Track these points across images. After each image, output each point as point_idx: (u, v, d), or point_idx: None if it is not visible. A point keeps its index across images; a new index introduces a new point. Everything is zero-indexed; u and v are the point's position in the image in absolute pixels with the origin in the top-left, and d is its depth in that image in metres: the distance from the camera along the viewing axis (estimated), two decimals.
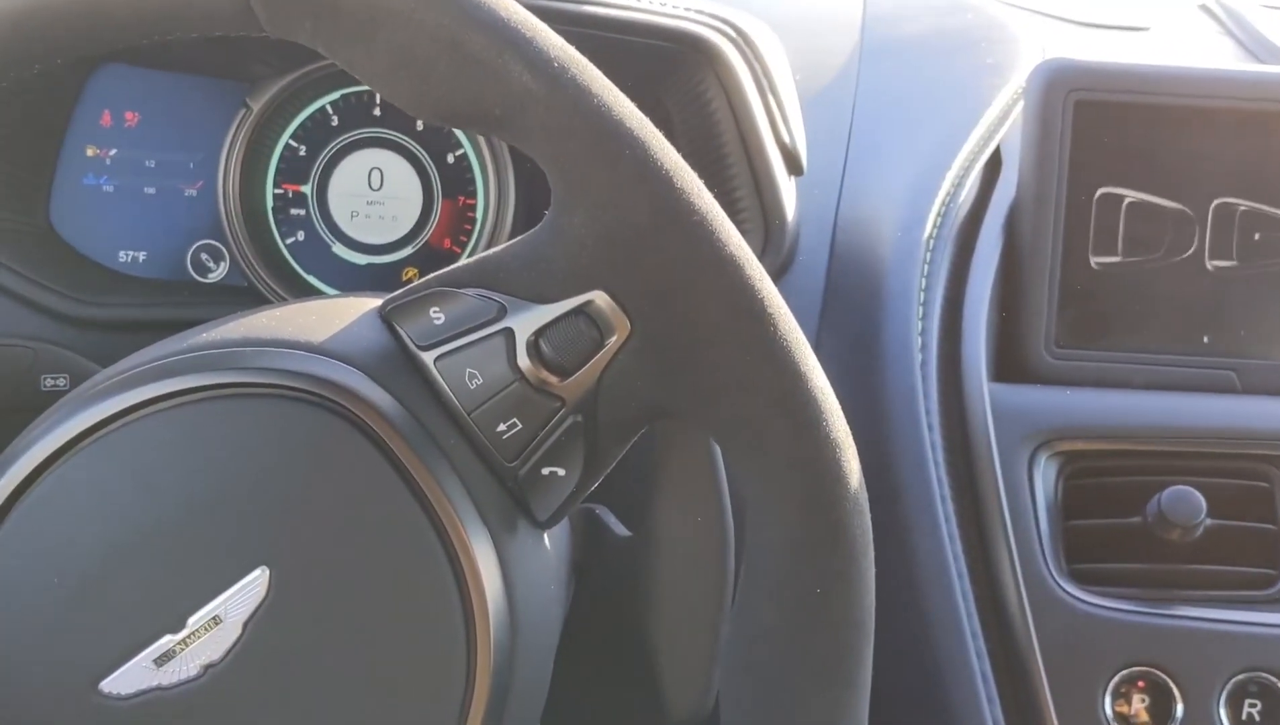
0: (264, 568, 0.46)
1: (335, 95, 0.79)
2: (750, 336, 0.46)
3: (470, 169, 0.80)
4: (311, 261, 0.80)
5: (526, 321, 0.47)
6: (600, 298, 0.47)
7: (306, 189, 0.80)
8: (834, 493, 0.47)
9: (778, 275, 0.79)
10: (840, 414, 0.48)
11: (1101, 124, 0.77)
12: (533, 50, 0.45)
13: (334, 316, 0.52)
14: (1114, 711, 0.67)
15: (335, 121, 0.80)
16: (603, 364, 0.47)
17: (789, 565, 0.48)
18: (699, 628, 0.59)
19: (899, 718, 0.70)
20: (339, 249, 0.80)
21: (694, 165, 0.78)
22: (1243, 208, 0.77)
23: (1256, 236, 0.77)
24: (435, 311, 0.48)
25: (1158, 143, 0.77)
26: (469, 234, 0.80)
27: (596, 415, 0.48)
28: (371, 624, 0.46)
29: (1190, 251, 0.77)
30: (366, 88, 0.79)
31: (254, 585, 0.46)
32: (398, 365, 0.48)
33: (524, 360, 0.47)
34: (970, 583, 0.68)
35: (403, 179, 0.80)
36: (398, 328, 0.49)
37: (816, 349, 0.78)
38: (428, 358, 0.48)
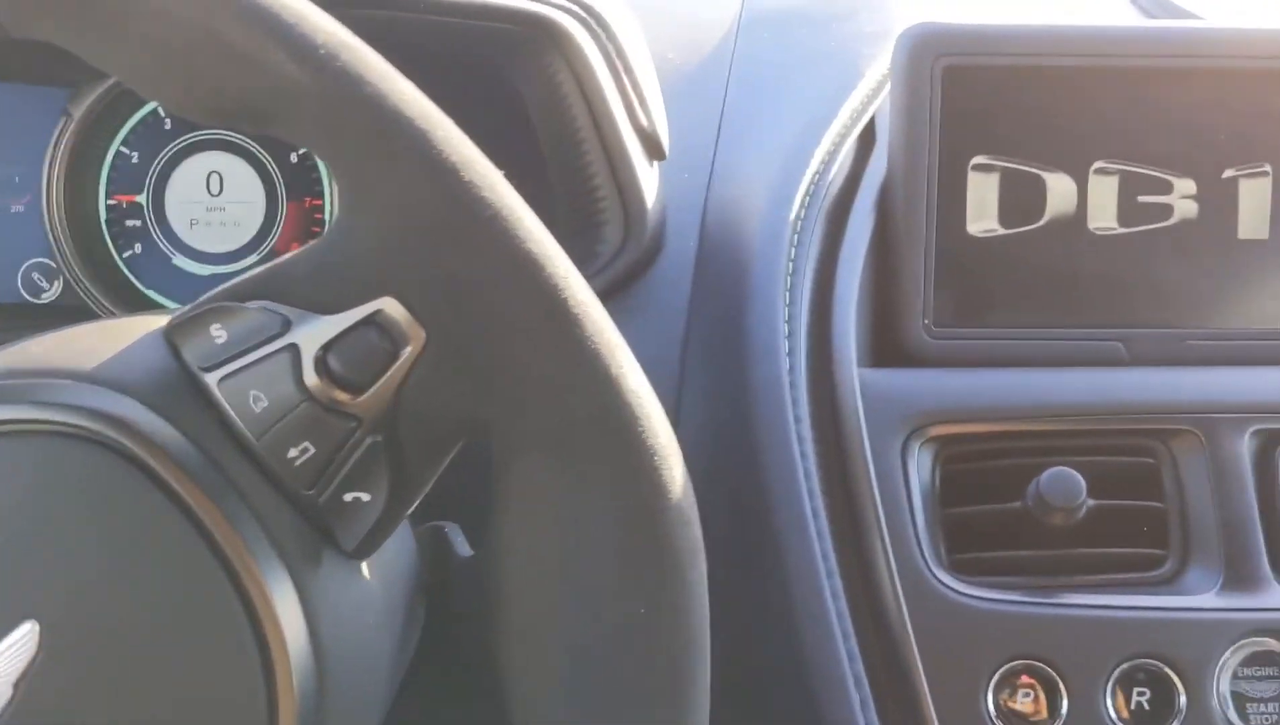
0: (33, 622, 0.41)
1: None
2: (557, 339, 0.43)
3: (315, 168, 0.76)
4: (151, 275, 0.76)
5: (312, 335, 0.43)
6: (390, 305, 0.43)
7: (141, 198, 0.75)
8: (656, 505, 0.44)
9: (644, 265, 0.76)
10: (663, 418, 0.45)
11: (973, 89, 0.73)
12: (296, 36, 0.41)
13: (114, 339, 0.48)
14: (997, 708, 0.64)
15: (168, 125, 0.75)
16: (399, 378, 0.44)
17: (612, 584, 0.45)
18: (537, 648, 0.56)
19: None
20: (180, 260, 0.76)
21: (549, 153, 0.75)
22: (1123, 170, 0.74)
23: (1138, 199, 0.74)
24: (217, 329, 0.44)
25: (1032, 106, 0.74)
26: (316, 237, 0.75)
27: (398, 434, 0.44)
28: (158, 678, 0.42)
29: (1071, 219, 0.74)
30: None
31: (22, 642, 0.42)
32: (179, 391, 0.44)
33: (311, 378, 0.43)
34: (842, 580, 0.65)
35: (244, 182, 0.76)
36: (179, 348, 0.45)
37: (686, 341, 0.74)
38: (210, 380, 0.44)
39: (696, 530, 0.46)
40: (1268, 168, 0.74)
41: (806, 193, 0.74)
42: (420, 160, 0.42)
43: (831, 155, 0.77)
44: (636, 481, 0.44)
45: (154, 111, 0.75)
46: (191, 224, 0.76)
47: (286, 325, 0.44)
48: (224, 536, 0.42)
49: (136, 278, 0.76)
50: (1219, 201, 0.74)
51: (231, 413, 0.44)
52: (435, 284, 0.43)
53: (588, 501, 0.45)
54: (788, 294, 0.71)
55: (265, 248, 0.76)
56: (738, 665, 0.64)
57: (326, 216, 0.75)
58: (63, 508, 0.42)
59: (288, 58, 0.41)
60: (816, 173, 0.75)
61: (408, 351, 0.43)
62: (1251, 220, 0.74)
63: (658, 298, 0.74)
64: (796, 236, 0.73)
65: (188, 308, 0.45)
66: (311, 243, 0.44)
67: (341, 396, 0.43)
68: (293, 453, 0.44)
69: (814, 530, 0.65)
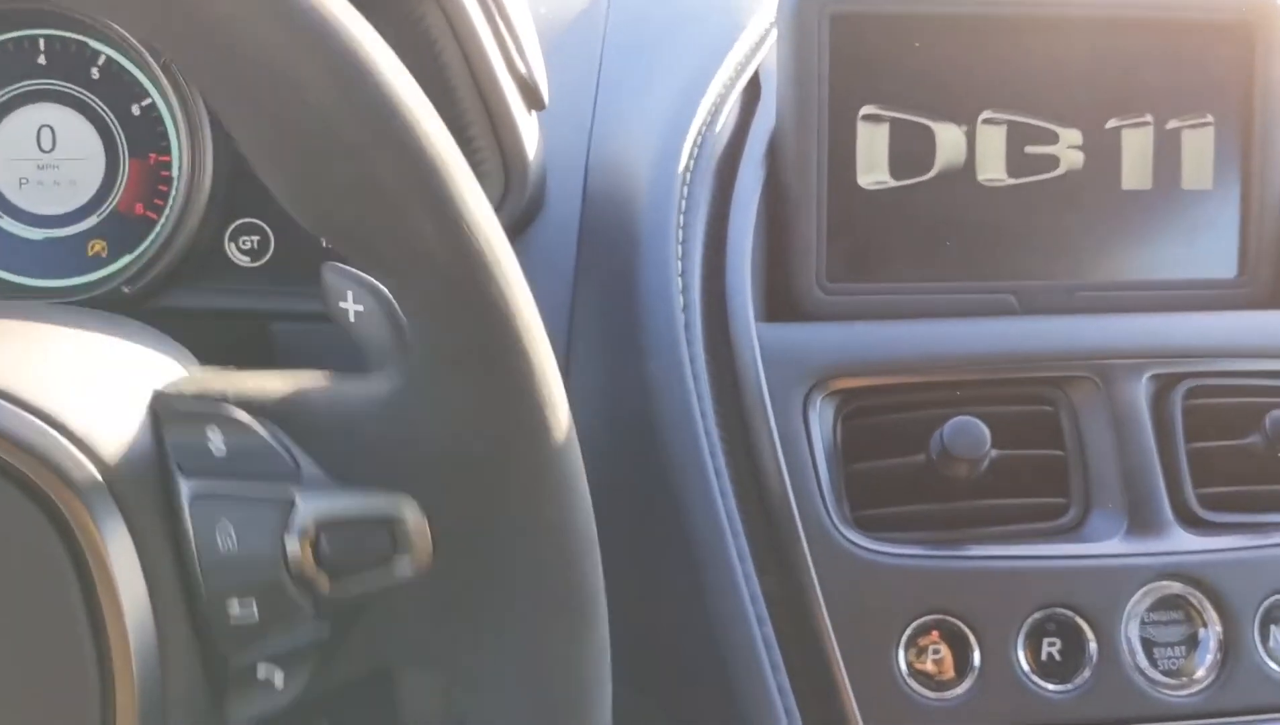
0: None
1: None
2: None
3: (161, 121, 0.69)
4: None
5: (315, 502, 0.39)
6: (409, 509, 0.39)
7: None
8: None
9: (525, 221, 0.71)
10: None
11: (860, 38, 0.71)
12: (447, 208, 0.37)
13: (89, 360, 0.42)
14: (909, 666, 0.62)
15: None
16: (380, 586, 0.39)
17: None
18: None
19: (682, 694, 0.63)
20: (8, 223, 0.69)
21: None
22: (1010, 121, 0.73)
23: (1026, 150, 0.73)
24: (214, 435, 0.39)
25: (920, 55, 0.72)
26: (165, 196, 0.69)
27: (348, 637, 0.40)
28: None
29: (960, 170, 0.73)
30: (26, 32, 0.68)
31: None
32: (142, 472, 0.39)
33: (294, 545, 0.38)
34: (748, 541, 0.62)
35: (79, 137, 0.69)
36: (163, 431, 0.39)
37: (573, 302, 0.70)
38: (184, 488, 0.39)
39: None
40: (1149, 118, 0.74)
41: (694, 145, 0.71)
42: (508, 390, 0.38)
43: (717, 108, 0.74)
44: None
45: None
46: (21, 183, 0.69)
47: (293, 474, 0.39)
48: (115, 651, 0.37)
49: None
50: (1103, 152, 0.73)
51: (191, 533, 0.39)
52: (477, 515, 0.39)
53: None
54: (679, 248, 0.68)
55: (106, 209, 0.69)
56: (643, 629, 0.61)
57: (174, 174, 0.69)
58: None
59: (433, 228, 0.37)
60: (703, 125, 0.72)
61: (405, 563, 0.39)
62: (1135, 171, 0.74)
63: (542, 257, 0.70)
64: (686, 190, 0.70)
65: (188, 392, 0.40)
66: (351, 377, 0.40)
67: (315, 578, 0.39)
68: (234, 608, 0.39)
69: (717, 490, 0.62)
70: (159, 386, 0.41)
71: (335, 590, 0.39)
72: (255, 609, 0.39)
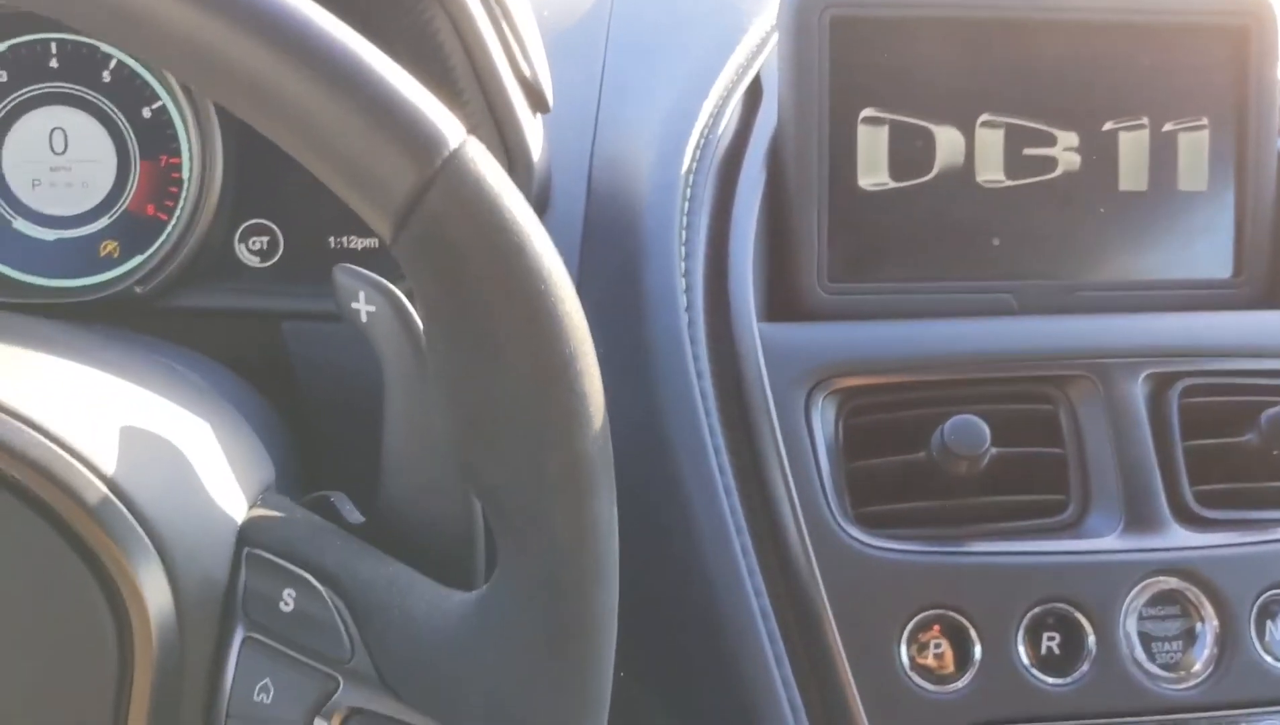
0: None
1: (1, 47, 0.68)
2: None
3: (171, 123, 0.70)
4: None
5: (357, 692, 0.40)
6: None
7: None
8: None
9: None
10: None
11: (860, 41, 0.72)
12: (587, 502, 0.39)
13: (194, 467, 0.43)
14: (911, 660, 0.63)
15: (4, 77, 0.69)
16: None
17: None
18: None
19: (686, 689, 0.64)
20: (21, 224, 0.69)
21: None
22: (1009, 123, 0.74)
23: (1024, 152, 0.74)
24: (289, 595, 0.40)
25: (919, 58, 0.73)
26: (175, 197, 0.70)
27: None
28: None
29: (960, 172, 0.74)
30: (39, 36, 0.69)
31: None
32: (211, 605, 0.40)
33: (322, 724, 0.40)
34: (751, 537, 0.63)
35: (91, 139, 0.69)
36: (243, 576, 0.41)
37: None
38: (240, 631, 0.40)
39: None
40: (1145, 120, 0.75)
41: (696, 147, 0.72)
42: (568, 676, 0.39)
43: (719, 110, 0.75)
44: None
45: None
46: (34, 184, 0.69)
47: (347, 656, 0.40)
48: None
49: None
50: (1100, 154, 0.74)
51: (230, 674, 0.40)
52: None
53: None
54: (683, 249, 0.69)
55: (117, 210, 0.70)
56: (648, 625, 0.62)
57: (185, 175, 0.70)
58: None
59: (567, 522, 0.38)
60: (705, 127, 0.73)
61: None
62: (1131, 172, 0.75)
63: None
64: (689, 191, 0.71)
65: (278, 545, 0.41)
66: (425, 589, 0.41)
67: None
68: None
69: (721, 487, 0.63)
70: (248, 517, 0.42)
71: None
72: None
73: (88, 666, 0.38)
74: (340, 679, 0.40)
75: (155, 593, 0.38)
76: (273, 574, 0.41)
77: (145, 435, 0.42)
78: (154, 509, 0.39)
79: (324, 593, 0.40)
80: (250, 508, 0.44)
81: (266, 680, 0.40)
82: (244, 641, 0.40)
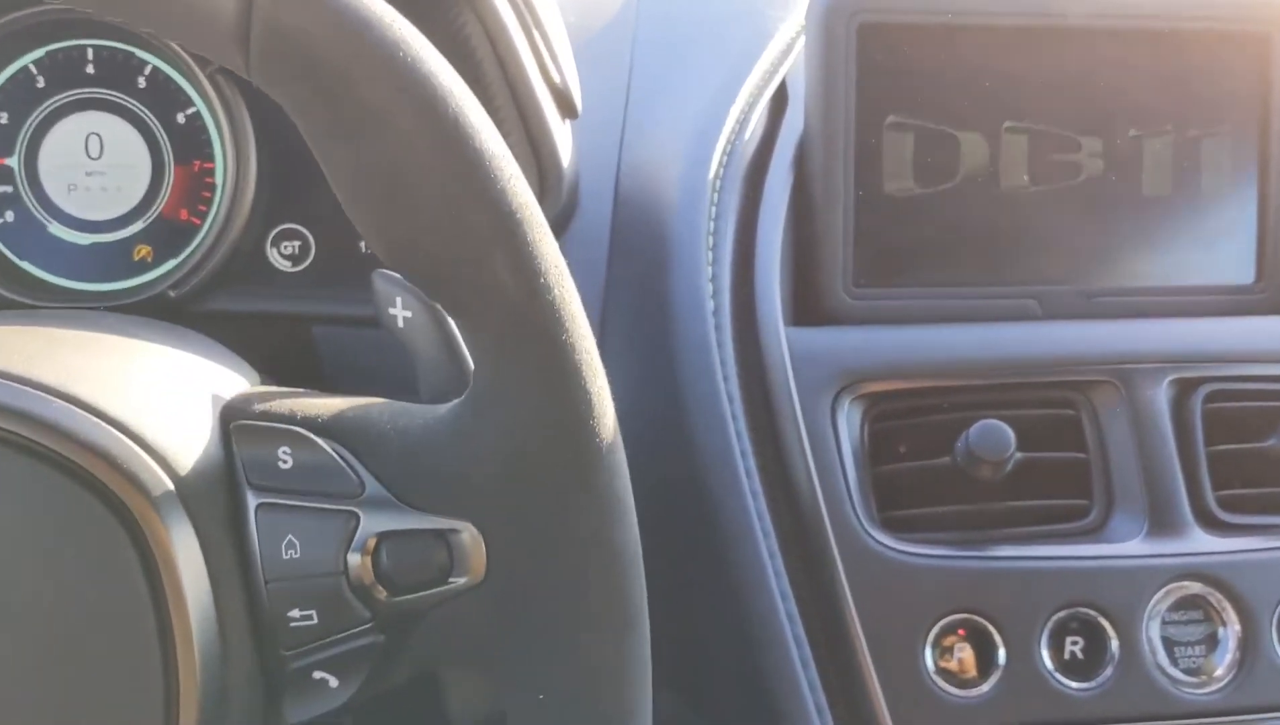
0: None
1: (39, 52, 0.69)
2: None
3: (205, 129, 0.71)
4: (25, 245, 0.70)
5: (378, 517, 0.41)
6: (469, 532, 0.41)
7: (12, 161, 0.69)
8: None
9: (559, 226, 0.73)
10: None
11: (887, 48, 0.73)
12: (524, 252, 0.39)
13: (161, 372, 0.44)
14: (935, 663, 0.63)
15: (41, 82, 0.70)
16: (437, 600, 0.41)
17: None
18: None
19: (713, 692, 0.65)
20: (56, 228, 0.70)
21: None
22: (1033, 129, 0.74)
23: (1048, 158, 0.75)
24: (284, 452, 0.41)
25: (946, 64, 0.74)
26: (208, 202, 0.71)
27: (402, 644, 0.42)
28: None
29: (984, 177, 0.74)
30: (76, 43, 0.70)
31: None
32: (212, 484, 0.41)
33: (355, 557, 0.41)
34: (778, 541, 0.63)
35: (126, 144, 0.70)
36: (235, 446, 0.41)
37: (604, 305, 0.72)
38: (251, 500, 0.41)
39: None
40: (1169, 126, 0.75)
41: (723, 153, 0.73)
42: (566, 422, 0.40)
43: (746, 115, 0.75)
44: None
45: (25, 67, 0.69)
46: (70, 189, 0.70)
47: (359, 490, 0.41)
48: (182, 658, 0.39)
49: (9, 249, 0.70)
50: (1124, 160, 0.75)
51: (256, 543, 0.41)
52: (532, 536, 0.40)
53: None
54: (710, 254, 0.69)
55: (151, 214, 0.71)
56: (675, 627, 0.63)
57: (218, 181, 0.70)
58: (41, 540, 0.39)
59: (509, 269, 0.39)
60: (732, 133, 0.74)
61: (461, 582, 0.41)
62: (1154, 178, 0.75)
63: (574, 261, 0.71)
64: (716, 196, 0.71)
65: (258, 412, 0.42)
66: (418, 408, 0.42)
67: (375, 590, 0.41)
68: (295, 614, 0.41)
69: (748, 491, 0.64)
70: (228, 400, 0.43)
71: (392, 601, 0.41)
72: (315, 617, 0.41)
73: (118, 590, 0.39)
74: (359, 512, 0.41)
75: (157, 493, 0.39)
76: (262, 437, 0.41)
77: (117, 361, 0.43)
78: (132, 415, 0.39)
79: (316, 439, 0.41)
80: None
81: (290, 537, 0.41)
82: (257, 508, 0.41)
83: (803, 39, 0.79)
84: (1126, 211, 0.75)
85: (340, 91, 0.38)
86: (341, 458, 0.41)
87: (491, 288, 0.39)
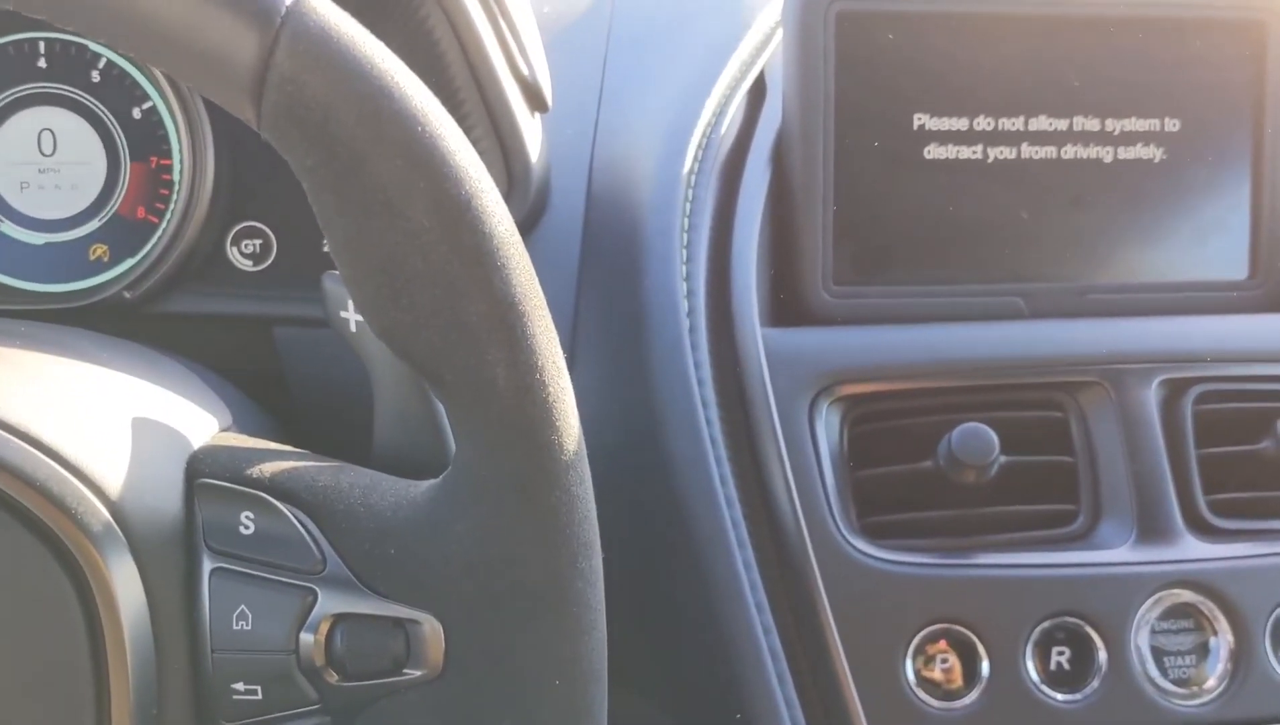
0: None
1: None
2: None
3: (162, 124, 0.68)
4: None
5: (337, 598, 0.39)
6: (430, 625, 0.39)
7: None
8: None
9: (528, 225, 0.71)
10: None
11: (867, 37, 0.71)
12: (521, 351, 0.38)
13: (128, 407, 0.41)
14: (917, 675, 0.61)
15: None
16: (387, 691, 0.39)
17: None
18: None
19: (685, 703, 0.63)
20: (9, 227, 0.68)
21: None
22: (1019, 122, 0.72)
23: (1034, 150, 0.72)
24: (248, 518, 0.39)
25: (928, 54, 0.71)
26: (166, 200, 0.68)
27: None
28: None
29: (969, 171, 0.72)
30: (26, 35, 0.67)
31: None
32: (167, 541, 0.39)
33: (308, 637, 0.39)
34: (754, 549, 0.61)
35: (80, 140, 0.68)
36: (196, 507, 0.39)
37: (576, 305, 0.70)
38: (207, 563, 0.39)
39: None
40: (1159, 118, 0.73)
41: (699, 147, 0.71)
42: (545, 530, 0.38)
43: (722, 108, 0.73)
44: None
45: None
46: (21, 187, 0.68)
47: (320, 566, 0.39)
48: (117, 706, 0.37)
49: None
50: (1112, 153, 0.72)
51: (207, 608, 0.39)
52: (488, 642, 0.39)
53: None
54: (684, 251, 0.67)
55: (107, 213, 0.69)
56: (648, 637, 0.61)
57: (176, 177, 0.68)
58: None
59: (504, 364, 0.37)
60: (708, 126, 0.72)
61: (418, 674, 0.39)
62: (1144, 171, 0.73)
63: (545, 259, 0.70)
64: (691, 192, 0.69)
65: (225, 471, 0.40)
66: (394, 487, 0.40)
67: (325, 670, 0.39)
68: (239, 686, 0.39)
69: (723, 498, 0.61)
70: (195, 450, 0.41)
71: (342, 686, 0.39)
72: (260, 693, 0.39)
73: (57, 640, 0.37)
74: (317, 589, 0.39)
75: (107, 543, 0.37)
76: (226, 499, 0.39)
77: (79, 397, 0.41)
78: (90, 460, 0.38)
79: (281, 508, 0.39)
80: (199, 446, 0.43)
81: (242, 607, 0.39)
82: (212, 573, 0.39)
83: (780, 28, 0.77)
84: (1116, 205, 0.73)
85: (353, 167, 0.36)
86: (306, 530, 0.39)
87: (485, 382, 0.37)
